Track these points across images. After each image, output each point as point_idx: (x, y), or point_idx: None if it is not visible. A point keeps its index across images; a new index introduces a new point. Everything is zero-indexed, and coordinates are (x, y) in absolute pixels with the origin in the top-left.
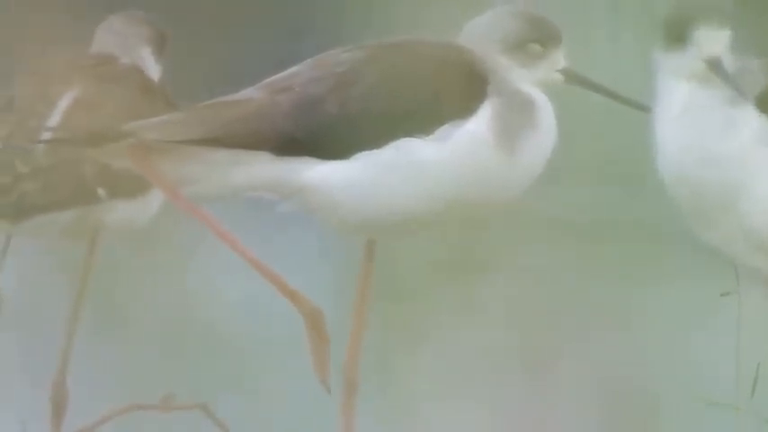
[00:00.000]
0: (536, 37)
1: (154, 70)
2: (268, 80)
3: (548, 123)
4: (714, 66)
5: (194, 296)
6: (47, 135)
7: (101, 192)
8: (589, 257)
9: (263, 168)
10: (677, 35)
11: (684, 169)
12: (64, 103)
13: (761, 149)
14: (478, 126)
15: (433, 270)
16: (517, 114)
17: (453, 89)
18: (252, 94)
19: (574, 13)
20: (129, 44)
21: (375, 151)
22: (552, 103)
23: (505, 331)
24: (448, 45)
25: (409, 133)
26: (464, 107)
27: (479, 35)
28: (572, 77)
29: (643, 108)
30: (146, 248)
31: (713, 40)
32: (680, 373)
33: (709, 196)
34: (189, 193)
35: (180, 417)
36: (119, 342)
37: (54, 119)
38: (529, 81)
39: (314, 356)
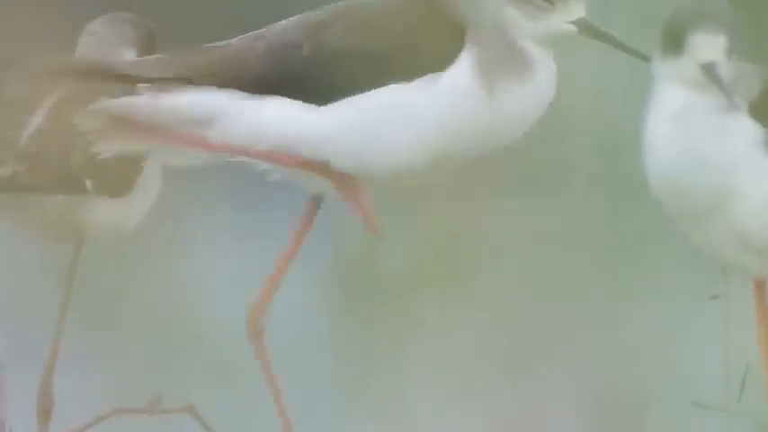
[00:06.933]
0: None
1: None
2: (251, 33)
3: (543, 80)
4: (709, 71)
5: (182, 298)
6: (32, 125)
7: (88, 183)
8: (578, 260)
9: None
10: (674, 41)
11: (675, 173)
12: (49, 101)
13: (752, 154)
14: (458, 73)
15: (421, 271)
16: (502, 64)
17: (428, 36)
18: (233, 41)
19: None
20: (109, 46)
21: (358, 97)
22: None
23: (494, 333)
24: None
25: (387, 78)
26: (441, 54)
27: None
28: (586, 29)
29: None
30: (133, 251)
31: (709, 46)
32: (668, 375)
33: (700, 199)
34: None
35: (167, 419)
36: (106, 344)
37: (40, 114)
38: (536, 35)
39: (360, 211)
